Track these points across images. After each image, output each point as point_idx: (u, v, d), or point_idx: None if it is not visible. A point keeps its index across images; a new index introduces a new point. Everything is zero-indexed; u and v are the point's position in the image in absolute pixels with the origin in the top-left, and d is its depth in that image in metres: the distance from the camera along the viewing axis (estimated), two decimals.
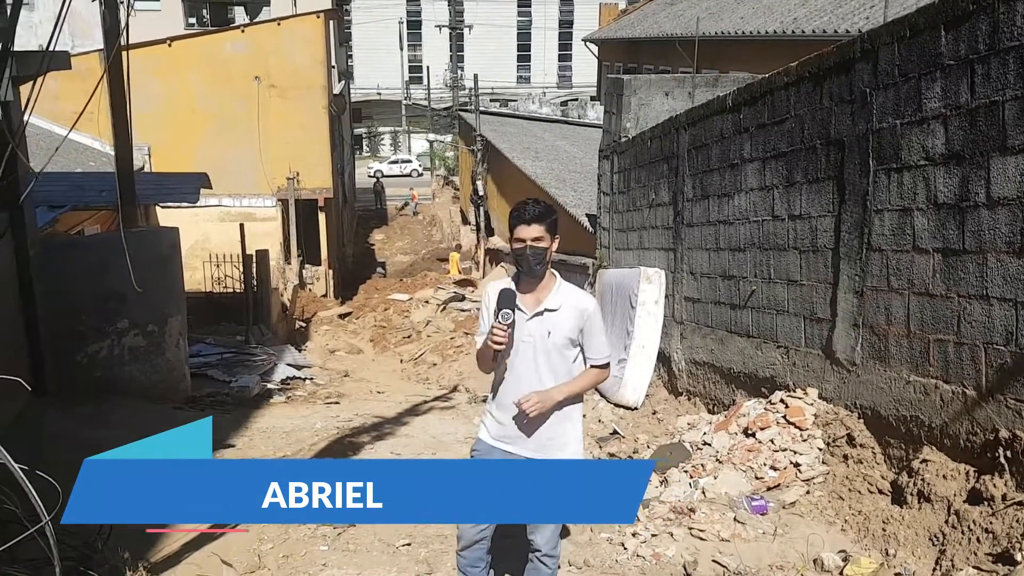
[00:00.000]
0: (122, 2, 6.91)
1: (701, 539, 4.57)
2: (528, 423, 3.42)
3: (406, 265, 26.41)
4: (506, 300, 3.33)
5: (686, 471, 5.58)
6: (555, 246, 3.48)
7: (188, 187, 11.40)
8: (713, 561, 4.35)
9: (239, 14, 28.53)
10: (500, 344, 3.30)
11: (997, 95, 4.03)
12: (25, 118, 2.67)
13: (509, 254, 3.47)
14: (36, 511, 3.41)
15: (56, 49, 4.73)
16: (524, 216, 3.36)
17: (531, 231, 3.35)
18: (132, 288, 7.70)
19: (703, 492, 5.16)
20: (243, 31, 20.80)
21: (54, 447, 5.65)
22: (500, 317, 3.28)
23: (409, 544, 4.83)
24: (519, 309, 3.38)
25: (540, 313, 3.41)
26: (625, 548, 4.58)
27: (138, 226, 8.20)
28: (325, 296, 20.58)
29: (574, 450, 3.54)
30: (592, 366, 3.55)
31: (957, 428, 4.38)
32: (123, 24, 6.87)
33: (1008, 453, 3.99)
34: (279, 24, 20.65)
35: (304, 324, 16.91)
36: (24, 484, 2.65)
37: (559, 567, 3.67)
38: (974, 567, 3.82)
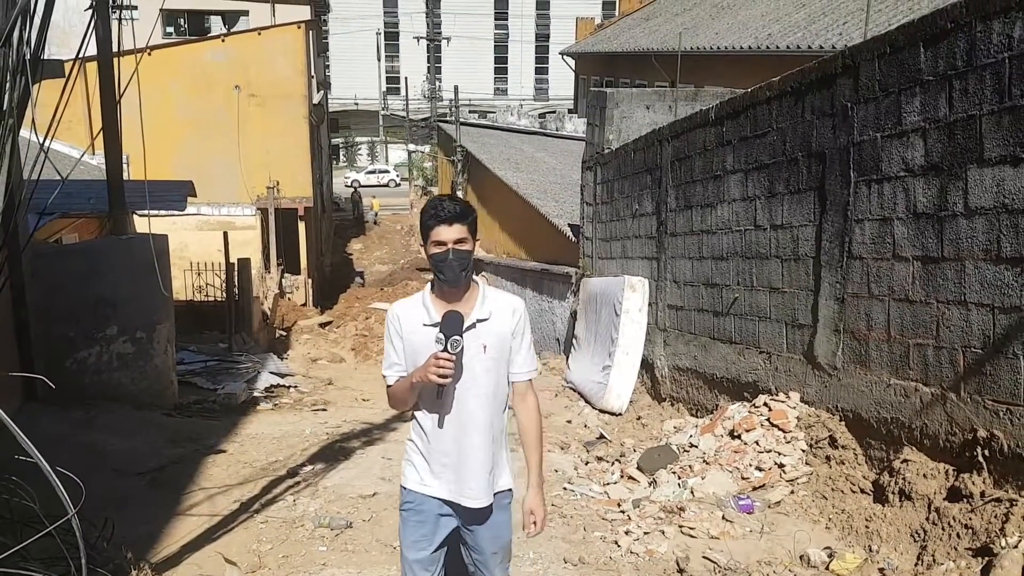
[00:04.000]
0: (115, 14, 6.97)
1: (692, 536, 4.72)
2: (474, 469, 2.93)
3: (385, 275, 26.40)
4: (454, 324, 2.80)
5: (674, 472, 5.73)
6: (476, 249, 2.99)
7: (174, 195, 11.42)
8: (704, 557, 4.49)
9: (216, 24, 28.51)
10: (447, 378, 2.77)
11: (974, 109, 4.23)
12: (48, 142, 2.75)
13: (429, 260, 2.91)
14: (46, 511, 3.47)
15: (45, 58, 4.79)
16: (442, 215, 2.82)
17: (453, 232, 2.81)
18: (121, 295, 7.74)
19: (692, 492, 5.31)
20: (223, 40, 20.81)
21: (50, 450, 5.67)
22: (449, 345, 2.76)
23: None
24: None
25: (472, 326, 2.89)
26: (619, 546, 4.71)
27: (127, 233, 8.23)
28: (305, 305, 20.57)
29: (508, 479, 3.09)
30: (516, 382, 3.03)
31: (936, 429, 4.56)
32: (115, 33, 6.95)
33: (986, 452, 4.17)
34: (259, 34, 20.71)
35: (284, 333, 16.90)
36: (54, 482, 2.72)
37: None
38: (954, 561, 3.99)
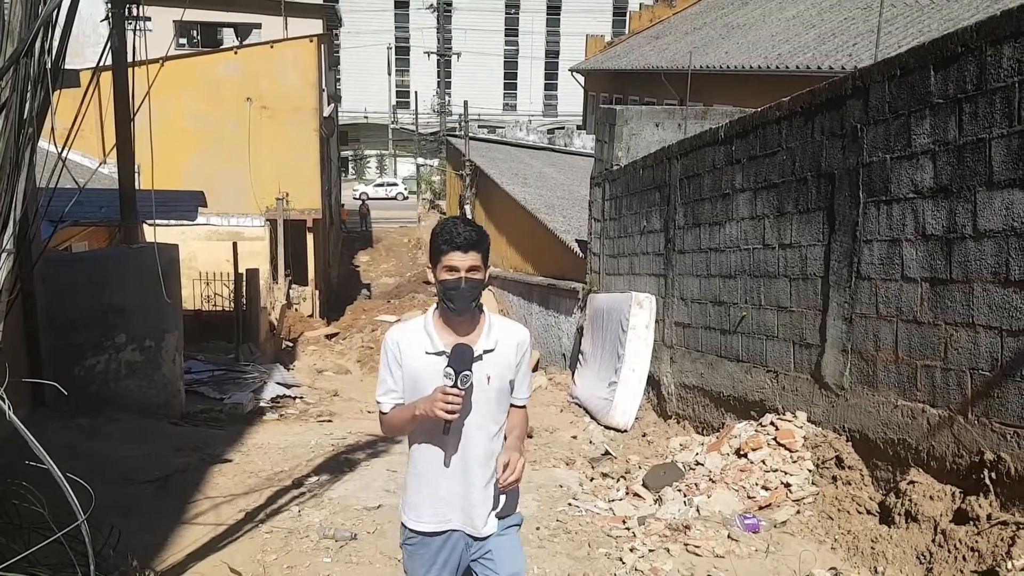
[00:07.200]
0: (130, 25, 7.05)
1: (697, 555, 4.70)
2: (479, 498, 2.85)
3: (392, 287, 26.48)
4: (464, 358, 2.69)
5: (680, 490, 5.72)
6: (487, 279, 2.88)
7: (186, 205, 11.50)
8: None
9: (229, 36, 28.74)
10: (455, 414, 2.66)
11: (984, 133, 4.25)
12: (66, 152, 2.79)
13: (435, 285, 2.80)
14: (51, 517, 3.49)
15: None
16: (457, 240, 2.70)
17: (468, 259, 2.70)
18: (130, 303, 7.79)
19: (697, 510, 5.30)
20: (236, 53, 20.99)
21: (56, 457, 5.69)
22: (459, 380, 2.65)
23: None
24: (445, 354, 2.75)
25: (479, 357, 2.78)
26: (623, 563, 4.70)
27: (138, 242, 8.29)
28: (311, 316, 20.64)
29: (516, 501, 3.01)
30: (515, 407, 2.97)
31: (943, 451, 4.55)
32: (130, 44, 7.01)
33: (993, 475, 4.16)
34: (272, 47, 20.88)
35: (291, 344, 16.95)
36: (65, 489, 2.75)
37: None
38: None
